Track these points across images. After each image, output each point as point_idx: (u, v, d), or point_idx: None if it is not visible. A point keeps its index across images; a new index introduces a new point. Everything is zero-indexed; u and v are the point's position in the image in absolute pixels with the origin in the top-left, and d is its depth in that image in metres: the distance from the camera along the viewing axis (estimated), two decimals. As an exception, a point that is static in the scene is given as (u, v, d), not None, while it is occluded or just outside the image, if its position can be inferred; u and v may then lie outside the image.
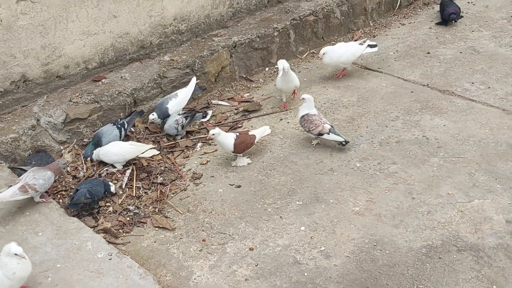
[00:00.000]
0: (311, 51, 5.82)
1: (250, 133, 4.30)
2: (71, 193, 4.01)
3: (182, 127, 4.55)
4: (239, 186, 4.10)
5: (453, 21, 6.06)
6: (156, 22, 5.01)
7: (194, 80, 4.79)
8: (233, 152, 4.23)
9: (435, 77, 5.27)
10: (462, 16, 6.18)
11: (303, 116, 4.40)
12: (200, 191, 4.08)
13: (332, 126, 4.38)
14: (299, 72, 5.51)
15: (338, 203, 3.88)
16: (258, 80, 5.40)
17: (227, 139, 4.19)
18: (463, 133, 4.47)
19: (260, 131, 4.35)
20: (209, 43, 5.23)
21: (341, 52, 5.18)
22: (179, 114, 4.59)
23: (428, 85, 5.16)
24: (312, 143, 4.48)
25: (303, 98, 4.39)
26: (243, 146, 4.22)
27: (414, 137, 4.48)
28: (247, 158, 4.33)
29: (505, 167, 4.07)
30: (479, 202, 3.77)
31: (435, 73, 5.33)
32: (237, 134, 4.23)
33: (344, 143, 4.33)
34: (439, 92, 5.04)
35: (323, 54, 5.15)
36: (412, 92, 5.08)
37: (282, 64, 4.85)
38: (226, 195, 4.02)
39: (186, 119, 4.57)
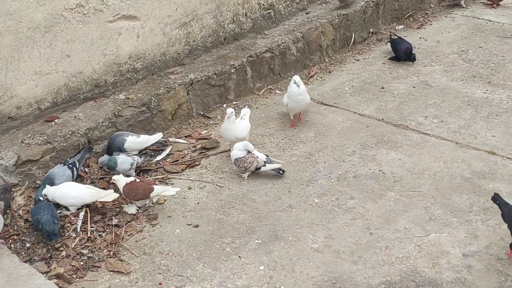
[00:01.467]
0: (268, 87, 5.85)
1: (153, 185, 4.14)
2: (23, 238, 3.88)
3: (137, 164, 4.46)
4: (197, 226, 4.03)
5: (413, 61, 6.15)
6: (111, 61, 4.97)
7: (160, 135, 4.77)
8: (121, 195, 4.12)
9: (389, 111, 5.36)
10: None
11: (236, 160, 4.45)
12: (157, 232, 3.99)
13: (267, 156, 4.51)
14: (257, 108, 5.53)
15: (297, 241, 3.85)
16: (216, 117, 5.39)
17: (120, 182, 4.10)
18: (418, 167, 4.53)
19: (163, 189, 4.17)
20: (166, 81, 5.21)
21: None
22: (129, 155, 4.49)
23: (383, 119, 5.24)
24: (243, 176, 4.48)
25: (248, 151, 4.45)
26: (132, 194, 4.06)
27: (371, 172, 4.52)
28: (136, 206, 4.17)
29: (460, 200, 4.13)
30: (436, 236, 3.80)
31: (390, 107, 5.42)
32: (134, 179, 4.11)
33: (281, 171, 4.47)
34: (394, 127, 5.12)
35: (231, 113, 4.70)
36: (368, 126, 5.14)
37: (294, 78, 4.98)
38: (184, 236, 3.94)
39: (141, 158, 4.50)
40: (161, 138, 4.79)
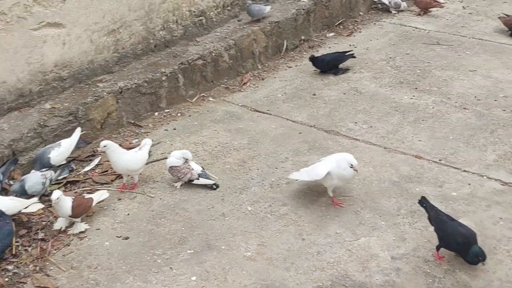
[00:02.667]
0: (201, 94, 5.81)
1: (86, 196, 4.08)
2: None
3: (51, 181, 4.28)
4: (127, 238, 3.93)
5: (340, 73, 6.23)
6: (36, 69, 4.80)
7: (78, 130, 4.61)
8: (70, 216, 3.93)
9: (321, 118, 5.43)
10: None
11: (171, 167, 4.39)
12: (85, 246, 3.87)
13: (203, 169, 4.44)
14: (190, 116, 5.48)
15: (230, 249, 3.82)
16: (148, 125, 5.30)
17: (65, 202, 3.89)
18: (349, 172, 4.60)
19: (97, 194, 4.11)
20: (94, 89, 5.08)
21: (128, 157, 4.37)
22: (42, 171, 4.27)
23: (315, 125, 5.30)
24: (175, 185, 4.44)
25: (186, 159, 4.39)
26: (81, 209, 3.95)
27: (303, 178, 4.55)
28: (84, 223, 4.05)
29: (388, 203, 4.22)
30: (366, 240, 3.86)
31: (321, 114, 5.49)
32: (73, 197, 3.97)
33: (214, 186, 4.40)
34: (325, 133, 5.19)
35: (104, 146, 4.29)
36: (300, 133, 5.19)
37: (348, 159, 4.05)
38: (113, 248, 3.84)
39: (55, 172, 4.32)
40: (81, 133, 4.62)
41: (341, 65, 6.27)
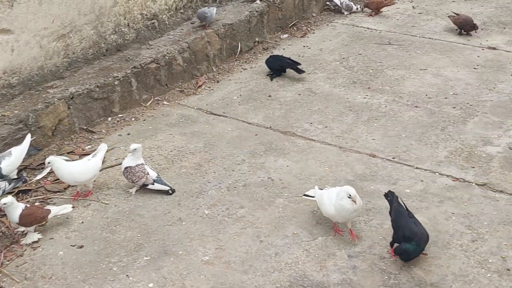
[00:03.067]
0: (155, 98, 5.75)
1: (46, 207, 3.98)
2: None
3: (3, 192, 4.18)
4: (81, 247, 3.86)
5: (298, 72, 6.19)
6: (-17, 77, 4.66)
7: (29, 137, 4.49)
8: (17, 224, 3.83)
9: (277, 119, 5.45)
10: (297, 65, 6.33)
11: (126, 168, 4.32)
12: (39, 256, 3.78)
13: (158, 175, 4.38)
14: (144, 120, 5.42)
15: (187, 254, 3.79)
16: (101, 131, 5.21)
17: (15, 208, 3.79)
18: (305, 172, 4.63)
19: (59, 208, 4.01)
20: (44, 96, 4.96)
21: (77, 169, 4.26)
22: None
23: (271, 127, 5.32)
24: (130, 191, 4.39)
25: (135, 149, 4.31)
26: (31, 219, 3.84)
27: (260, 180, 4.56)
28: (37, 233, 3.96)
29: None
30: (323, 239, 3.90)
31: (277, 115, 5.51)
32: (26, 206, 3.88)
33: (170, 191, 4.35)
34: (281, 134, 5.21)
35: (48, 163, 4.19)
36: (256, 135, 5.19)
37: (347, 190, 3.75)
38: (68, 258, 3.76)
39: (10, 184, 4.22)
40: (31, 139, 4.51)
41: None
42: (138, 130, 5.25)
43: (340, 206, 3.74)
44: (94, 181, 4.40)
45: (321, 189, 4.05)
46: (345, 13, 7.91)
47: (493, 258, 3.71)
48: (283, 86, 6.08)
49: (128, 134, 5.17)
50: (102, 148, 4.44)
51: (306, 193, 4.16)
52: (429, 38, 7.12)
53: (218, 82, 6.21)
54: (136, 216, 4.16)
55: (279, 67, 6.24)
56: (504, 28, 7.32)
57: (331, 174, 4.61)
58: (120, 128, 5.28)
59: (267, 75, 6.29)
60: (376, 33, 7.32)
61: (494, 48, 6.75)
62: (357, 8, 7.90)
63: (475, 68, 6.29)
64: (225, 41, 6.50)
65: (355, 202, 3.71)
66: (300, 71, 6.15)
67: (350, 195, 3.71)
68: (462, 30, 7.11)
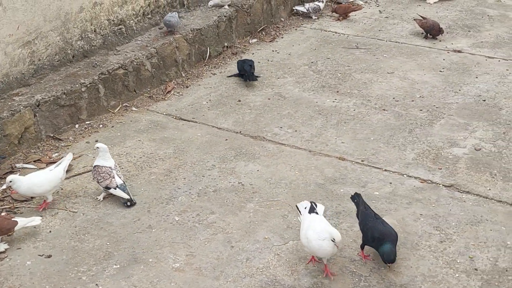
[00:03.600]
0: (124, 104, 5.70)
1: (14, 218, 3.90)
2: None
3: None
4: (49, 256, 3.79)
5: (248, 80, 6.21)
6: None
7: None
8: None
9: (247, 124, 5.45)
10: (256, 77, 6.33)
11: (94, 167, 4.31)
12: (6, 266, 3.70)
13: (124, 183, 4.31)
14: (112, 127, 5.36)
15: (157, 262, 3.76)
16: (68, 139, 5.13)
17: None
18: (275, 177, 4.64)
19: (27, 220, 3.93)
20: (9, 103, 4.87)
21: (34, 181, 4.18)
22: None
23: (241, 132, 5.32)
24: (98, 198, 4.34)
25: (97, 147, 4.31)
26: None
27: (231, 185, 4.55)
28: (4, 243, 3.89)
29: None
30: (294, 243, 3.90)
31: (247, 120, 5.52)
32: None
33: (128, 202, 4.26)
34: (252, 138, 5.21)
35: (10, 182, 4.12)
36: (226, 140, 5.18)
37: (333, 234, 3.50)
38: (35, 268, 3.69)
39: None
40: None
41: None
42: (107, 137, 5.20)
43: (319, 246, 3.51)
44: (59, 191, 4.33)
45: (314, 211, 3.76)
46: (314, 17, 7.96)
47: (461, 258, 3.77)
48: (252, 90, 6.09)
49: (96, 141, 5.10)
50: (67, 158, 4.37)
51: (297, 205, 3.88)
52: (396, 42, 7.22)
53: (187, 87, 6.19)
54: (105, 224, 4.11)
55: (240, 68, 6.29)
56: (469, 31, 7.47)
57: (301, 178, 4.62)
58: (88, 135, 5.22)
59: (233, 76, 6.34)
60: (344, 37, 7.38)
61: (459, 51, 6.88)
62: (322, 6, 7.89)
63: (440, 71, 6.40)
64: (194, 46, 6.48)
65: (337, 247, 3.52)
66: (248, 79, 6.16)
67: (334, 239, 3.48)
68: (428, 34, 7.22)
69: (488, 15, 7.98)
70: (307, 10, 7.90)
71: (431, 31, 7.16)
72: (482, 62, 6.59)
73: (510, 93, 5.87)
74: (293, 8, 8.03)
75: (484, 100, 5.75)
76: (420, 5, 8.38)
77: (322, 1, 7.93)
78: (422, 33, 7.31)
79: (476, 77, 6.23)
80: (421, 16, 7.48)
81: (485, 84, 6.08)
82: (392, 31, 7.53)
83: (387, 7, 8.41)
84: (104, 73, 5.48)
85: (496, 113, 5.51)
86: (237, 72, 6.34)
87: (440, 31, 7.14)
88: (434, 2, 8.46)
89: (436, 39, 7.20)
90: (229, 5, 7.02)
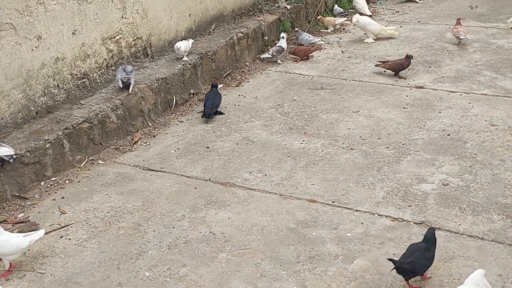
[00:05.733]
0: (90, 158, 5.62)
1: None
2: None
3: None
4: (15, 323, 3.65)
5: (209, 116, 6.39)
6: None
7: None
8: None
9: (216, 170, 5.41)
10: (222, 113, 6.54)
11: None
12: (-31, 338, 3.54)
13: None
14: (79, 181, 5.27)
15: (129, 321, 3.65)
16: (34, 197, 5.02)
17: None
18: (247, 224, 4.59)
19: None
20: (-29, 164, 4.77)
21: None
22: None
23: (210, 179, 5.27)
24: None
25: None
26: None
27: (202, 235, 4.48)
28: None
29: (287, 251, 4.23)
30: (268, 293, 3.84)
31: (216, 166, 5.48)
32: None
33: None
34: (221, 185, 5.17)
35: None
36: (196, 188, 5.13)
37: None
38: (0, 337, 3.54)
39: None
40: None
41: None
42: (73, 192, 5.10)
43: None
44: (25, 252, 4.21)
45: None
46: (279, 61, 8.06)
47: (436, 297, 3.75)
48: (220, 136, 6.09)
49: (63, 197, 5.01)
50: (38, 233, 4.20)
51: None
52: (359, 80, 7.34)
53: (154, 136, 6.15)
54: (74, 284, 3.99)
55: (204, 103, 6.45)
56: (430, 67, 7.64)
57: (273, 223, 4.58)
58: (54, 192, 5.11)
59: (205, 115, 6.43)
60: (308, 79, 7.48)
61: (421, 87, 7.02)
62: (282, 37, 7.99)
63: (404, 108, 6.50)
64: (160, 95, 6.48)
65: None
66: (204, 115, 6.42)
67: None
68: (400, 73, 7.31)
69: (447, 50, 8.20)
70: (271, 55, 8.01)
71: (403, 69, 7.27)
72: (444, 97, 6.72)
73: (473, 126, 5.98)
74: (258, 56, 8.13)
75: (449, 135, 5.83)
76: (380, 44, 8.57)
77: (284, 38, 8.02)
78: (384, 71, 7.44)
79: (440, 112, 6.35)
80: (380, 61, 7.55)
81: (449, 118, 6.18)
82: (355, 70, 7.66)
83: (349, 47, 8.58)
84: (68, 128, 5.41)
85: (461, 147, 5.59)
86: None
87: (409, 63, 7.25)
88: (374, 40, 8.65)
89: (399, 76, 7.34)
90: (187, 56, 7.00)
